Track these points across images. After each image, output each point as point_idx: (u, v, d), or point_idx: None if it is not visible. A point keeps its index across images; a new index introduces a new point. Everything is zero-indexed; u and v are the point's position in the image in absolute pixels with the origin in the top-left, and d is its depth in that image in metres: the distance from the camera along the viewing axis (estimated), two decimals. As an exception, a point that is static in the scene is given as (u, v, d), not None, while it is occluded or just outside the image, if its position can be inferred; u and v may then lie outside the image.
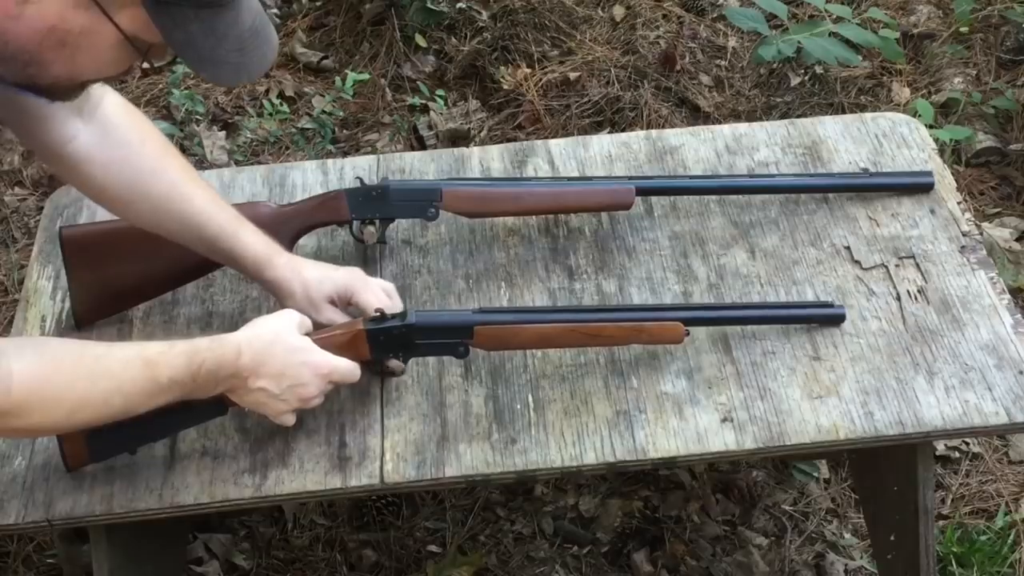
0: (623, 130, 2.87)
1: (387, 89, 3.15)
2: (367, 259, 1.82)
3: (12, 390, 1.26)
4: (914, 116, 2.35)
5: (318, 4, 3.42)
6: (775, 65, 3.09)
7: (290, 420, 1.53)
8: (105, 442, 1.52)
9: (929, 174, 1.89)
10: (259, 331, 1.49)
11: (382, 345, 1.57)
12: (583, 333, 1.61)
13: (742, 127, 2.04)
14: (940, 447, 2.33)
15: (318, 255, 1.80)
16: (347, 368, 1.53)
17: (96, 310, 1.73)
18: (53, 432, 1.47)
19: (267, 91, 3.17)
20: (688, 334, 1.63)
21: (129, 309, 1.76)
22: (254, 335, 1.48)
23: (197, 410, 1.53)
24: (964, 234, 1.83)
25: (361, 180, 1.79)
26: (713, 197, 1.88)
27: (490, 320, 1.59)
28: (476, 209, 1.79)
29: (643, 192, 1.82)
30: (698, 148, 1.99)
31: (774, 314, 1.70)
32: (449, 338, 1.59)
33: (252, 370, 1.46)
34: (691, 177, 1.92)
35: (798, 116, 2.89)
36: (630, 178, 1.86)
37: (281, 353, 1.47)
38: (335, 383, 1.54)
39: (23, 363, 1.29)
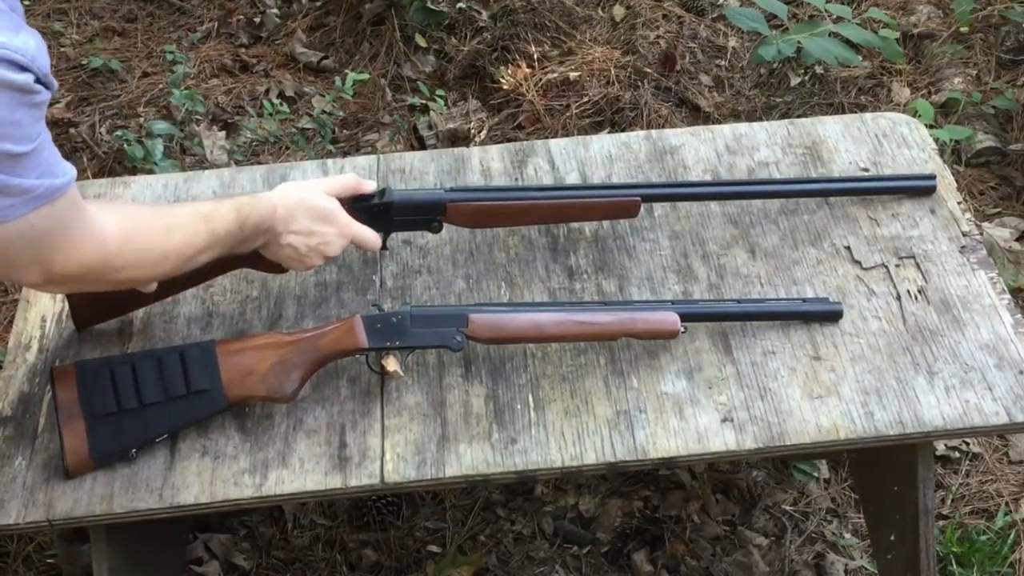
0: (623, 130, 2.88)
1: (387, 89, 3.15)
2: (367, 259, 1.83)
3: (108, 242, 1.37)
4: (914, 116, 2.35)
5: (318, 4, 3.42)
6: (775, 65, 3.09)
7: (315, 267, 1.67)
8: (107, 440, 1.53)
9: (931, 177, 1.89)
10: (289, 192, 1.61)
11: (379, 332, 1.59)
12: (577, 323, 1.62)
13: (742, 127, 2.04)
14: (940, 447, 2.33)
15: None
16: (364, 232, 1.65)
17: (95, 316, 1.73)
18: (143, 283, 1.53)
19: (267, 91, 3.18)
20: (685, 331, 1.63)
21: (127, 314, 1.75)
22: (285, 195, 1.60)
23: (197, 406, 1.55)
24: (964, 234, 1.83)
25: (363, 195, 1.72)
26: (713, 197, 1.88)
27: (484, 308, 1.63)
28: (481, 222, 1.78)
29: (648, 199, 1.81)
30: (698, 148, 1.99)
31: (770, 309, 1.70)
32: (444, 326, 1.61)
33: (284, 227, 1.59)
34: (695, 184, 1.90)
35: (798, 116, 2.90)
36: (635, 186, 1.84)
37: (309, 213, 1.60)
38: (355, 244, 1.66)
39: (111, 221, 1.39)
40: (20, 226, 1.26)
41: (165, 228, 1.47)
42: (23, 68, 1.18)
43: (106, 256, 1.38)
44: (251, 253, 1.63)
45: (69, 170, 1.30)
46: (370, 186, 1.70)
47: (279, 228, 1.58)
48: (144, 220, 1.47)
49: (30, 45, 1.19)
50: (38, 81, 1.20)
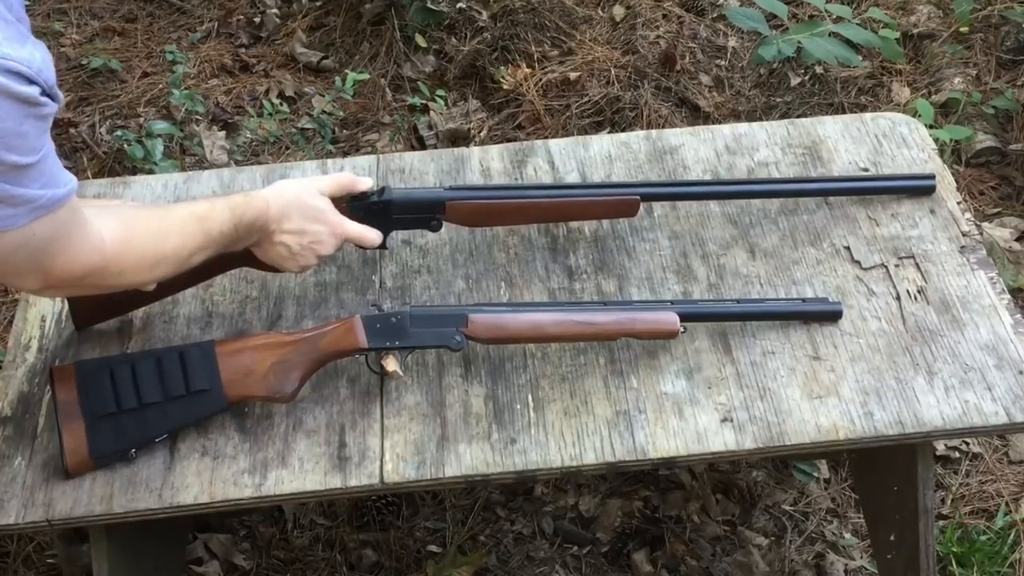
0: (623, 130, 2.88)
1: (387, 89, 3.15)
2: (367, 259, 1.83)
3: (106, 248, 1.38)
4: (914, 116, 2.35)
5: (318, 4, 3.42)
6: (775, 65, 3.09)
7: (310, 267, 1.66)
8: (107, 441, 1.53)
9: (931, 177, 1.89)
10: (282, 190, 1.61)
11: (378, 333, 1.59)
12: (577, 323, 1.62)
13: (742, 127, 2.04)
14: (940, 447, 2.33)
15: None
16: (361, 231, 1.66)
17: (94, 316, 1.73)
18: (140, 286, 1.53)
19: (267, 91, 3.18)
20: (685, 330, 1.63)
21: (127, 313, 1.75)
22: (278, 193, 1.60)
23: (197, 406, 1.56)
24: (964, 234, 1.83)
25: (362, 194, 1.72)
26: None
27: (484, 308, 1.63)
28: (480, 221, 1.78)
29: (648, 199, 1.81)
30: (698, 148, 1.99)
31: (770, 309, 1.70)
32: (444, 326, 1.61)
33: (277, 225, 1.58)
34: (695, 184, 1.90)
35: (798, 116, 2.90)
36: (634, 185, 1.84)
37: (301, 211, 1.60)
38: (349, 241, 1.66)
39: (108, 226, 1.40)
40: (22, 235, 1.27)
41: (161, 231, 1.47)
42: (30, 80, 1.19)
43: (104, 262, 1.39)
44: (250, 251, 1.63)
45: (70, 180, 1.31)
46: (365, 184, 1.70)
47: (272, 226, 1.58)
48: (140, 223, 1.47)
49: (36, 57, 1.20)
50: (44, 93, 1.21)
